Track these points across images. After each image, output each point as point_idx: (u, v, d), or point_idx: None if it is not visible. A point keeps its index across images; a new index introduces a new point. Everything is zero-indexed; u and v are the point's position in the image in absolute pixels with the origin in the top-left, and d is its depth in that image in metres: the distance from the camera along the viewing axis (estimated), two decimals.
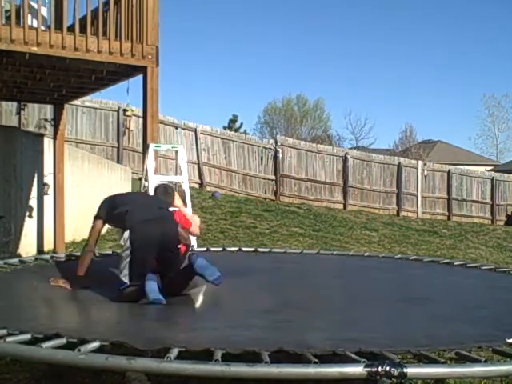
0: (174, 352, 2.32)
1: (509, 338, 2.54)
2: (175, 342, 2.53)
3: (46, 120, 12.56)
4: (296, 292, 4.53)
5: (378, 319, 3.63)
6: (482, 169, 27.64)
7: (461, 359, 2.45)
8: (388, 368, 2.19)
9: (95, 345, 2.32)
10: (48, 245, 9.14)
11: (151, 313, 3.80)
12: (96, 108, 14.52)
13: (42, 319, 3.32)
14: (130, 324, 3.53)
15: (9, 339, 2.41)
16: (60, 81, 7.63)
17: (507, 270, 5.64)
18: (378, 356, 2.43)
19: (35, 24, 6.14)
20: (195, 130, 16.10)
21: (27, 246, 8.75)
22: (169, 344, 2.45)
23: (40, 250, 8.91)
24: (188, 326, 3.53)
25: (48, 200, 9.18)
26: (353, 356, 2.37)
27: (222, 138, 16.67)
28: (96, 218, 4.41)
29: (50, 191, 9.16)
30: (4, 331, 2.49)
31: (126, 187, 11.90)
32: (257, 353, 2.38)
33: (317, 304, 4.15)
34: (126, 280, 4.00)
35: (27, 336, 2.41)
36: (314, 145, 19.29)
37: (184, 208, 5.21)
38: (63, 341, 2.35)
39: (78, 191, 10.02)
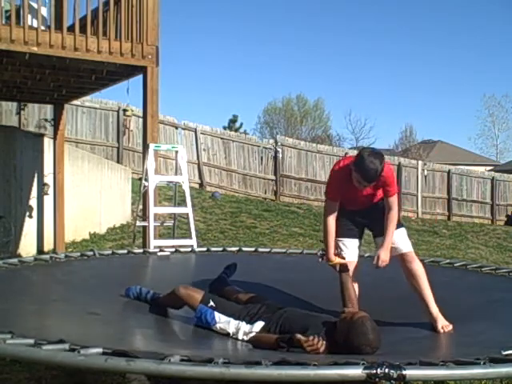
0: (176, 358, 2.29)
1: (504, 351, 2.52)
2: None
3: (46, 120, 12.55)
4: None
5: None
6: (482, 169, 27.59)
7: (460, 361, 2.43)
8: (387, 370, 2.18)
9: (97, 350, 2.30)
10: (48, 245, 9.15)
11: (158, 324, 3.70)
12: (96, 108, 14.51)
13: (43, 325, 3.28)
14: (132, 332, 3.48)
15: (9, 341, 2.39)
16: (60, 81, 7.63)
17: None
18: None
19: (35, 24, 6.14)
20: (195, 129, 16.09)
21: (27, 246, 8.75)
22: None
23: (40, 250, 8.91)
24: None
25: (48, 200, 9.18)
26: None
27: (222, 138, 16.65)
28: None
29: (50, 191, 9.16)
30: (8, 335, 2.46)
31: (126, 187, 11.89)
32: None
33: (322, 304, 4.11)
34: None
35: (30, 341, 2.39)
36: (314, 145, 19.25)
37: None
38: (65, 346, 2.33)
39: (78, 191, 10.01)
